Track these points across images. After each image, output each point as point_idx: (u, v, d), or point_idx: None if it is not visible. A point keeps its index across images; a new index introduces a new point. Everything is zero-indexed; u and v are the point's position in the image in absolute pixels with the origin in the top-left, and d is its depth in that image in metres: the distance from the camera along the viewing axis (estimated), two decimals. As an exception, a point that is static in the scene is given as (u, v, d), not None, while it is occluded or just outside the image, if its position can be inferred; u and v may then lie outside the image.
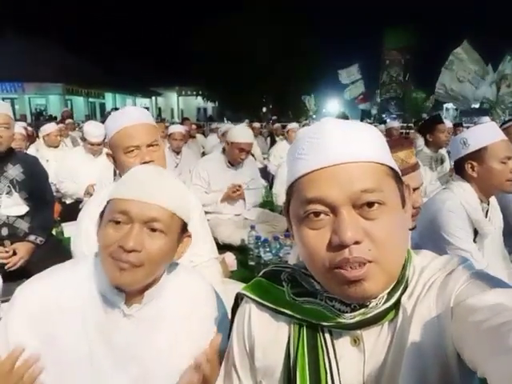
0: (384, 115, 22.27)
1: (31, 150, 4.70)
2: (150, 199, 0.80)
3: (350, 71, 19.12)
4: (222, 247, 2.66)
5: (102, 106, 23.69)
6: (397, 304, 0.63)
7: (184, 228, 0.89)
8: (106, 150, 3.74)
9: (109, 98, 24.19)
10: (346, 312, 0.63)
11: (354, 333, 0.64)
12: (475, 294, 0.56)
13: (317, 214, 0.58)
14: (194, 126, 7.71)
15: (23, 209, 2.13)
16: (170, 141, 4.14)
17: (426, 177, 3.50)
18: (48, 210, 2.28)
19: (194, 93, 25.75)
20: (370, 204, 0.57)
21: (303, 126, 6.86)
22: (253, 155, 4.46)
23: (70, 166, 3.60)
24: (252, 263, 2.52)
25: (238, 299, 0.78)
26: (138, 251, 0.78)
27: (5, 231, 2.06)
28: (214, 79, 19.92)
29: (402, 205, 0.64)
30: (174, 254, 0.89)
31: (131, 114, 1.38)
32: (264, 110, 22.28)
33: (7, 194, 2.07)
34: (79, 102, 21.64)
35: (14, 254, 2.01)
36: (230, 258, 2.52)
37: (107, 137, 1.43)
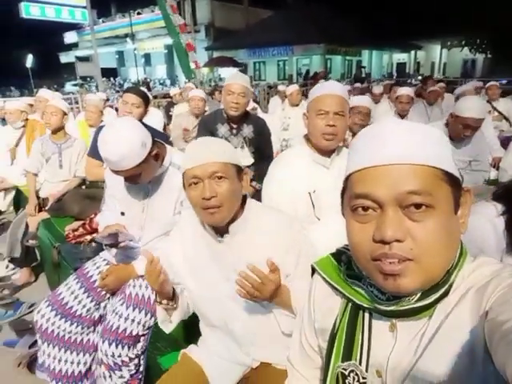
0: None
1: (278, 108, 5.53)
2: (206, 160, 1.10)
3: None
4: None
5: (359, 63, 24.13)
6: (435, 304, 0.64)
7: (239, 169, 1.17)
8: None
9: (365, 56, 24.33)
10: (382, 300, 0.68)
11: (391, 320, 0.70)
12: None
13: (365, 208, 0.63)
14: (441, 84, 6.88)
15: (251, 160, 2.73)
16: (396, 104, 3.99)
17: None
18: (267, 163, 2.79)
19: (463, 43, 22.32)
20: (417, 206, 0.59)
21: None
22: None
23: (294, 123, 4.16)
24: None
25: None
26: (215, 196, 1.09)
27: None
28: (490, 25, 16.63)
29: (455, 210, 0.62)
30: (241, 189, 1.18)
31: (329, 86, 1.60)
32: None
33: (241, 147, 2.69)
34: (337, 61, 22.82)
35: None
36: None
37: (308, 100, 1.67)
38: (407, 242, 0.59)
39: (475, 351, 0.58)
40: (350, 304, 0.76)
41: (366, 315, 0.73)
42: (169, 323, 1.26)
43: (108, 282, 1.68)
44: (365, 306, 0.72)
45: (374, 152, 0.63)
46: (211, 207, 1.09)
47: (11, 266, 3.19)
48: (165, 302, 1.22)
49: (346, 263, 0.79)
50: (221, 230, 1.19)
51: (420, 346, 0.65)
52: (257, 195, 2.60)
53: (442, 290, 0.64)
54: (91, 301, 1.75)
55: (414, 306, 0.64)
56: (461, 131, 2.53)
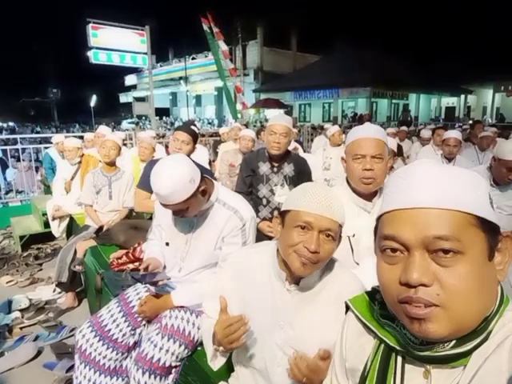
0: None
1: (320, 149, 5.58)
2: (327, 215, 1.03)
3: None
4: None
5: (405, 106, 23.93)
6: (471, 352, 0.61)
7: (341, 230, 1.11)
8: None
9: (412, 99, 24.10)
10: (416, 344, 0.66)
11: (425, 366, 0.67)
12: None
13: (393, 250, 0.63)
14: (493, 129, 6.64)
15: (290, 198, 2.75)
16: (442, 147, 3.89)
17: None
18: (307, 202, 2.81)
19: (518, 87, 21.55)
20: (445, 251, 0.58)
21: None
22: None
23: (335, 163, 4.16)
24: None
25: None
26: (318, 252, 1.03)
27: (275, 214, 2.74)
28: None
29: (490, 256, 0.60)
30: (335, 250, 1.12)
31: (365, 130, 1.60)
32: None
33: (281, 185, 2.73)
34: (383, 104, 22.79)
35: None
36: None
37: (345, 144, 1.69)
38: (434, 287, 0.58)
39: None
40: (382, 345, 0.74)
41: (399, 358, 0.71)
42: (215, 361, 1.23)
43: (145, 309, 1.73)
44: (397, 348, 0.69)
45: (402, 194, 0.63)
46: (308, 259, 1.05)
47: (58, 290, 3.36)
48: (222, 348, 1.14)
49: (379, 302, 0.77)
50: (291, 276, 1.14)
51: None
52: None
53: (480, 338, 0.61)
54: (128, 325, 1.79)
55: (449, 352, 0.62)
56: (505, 175, 2.48)
